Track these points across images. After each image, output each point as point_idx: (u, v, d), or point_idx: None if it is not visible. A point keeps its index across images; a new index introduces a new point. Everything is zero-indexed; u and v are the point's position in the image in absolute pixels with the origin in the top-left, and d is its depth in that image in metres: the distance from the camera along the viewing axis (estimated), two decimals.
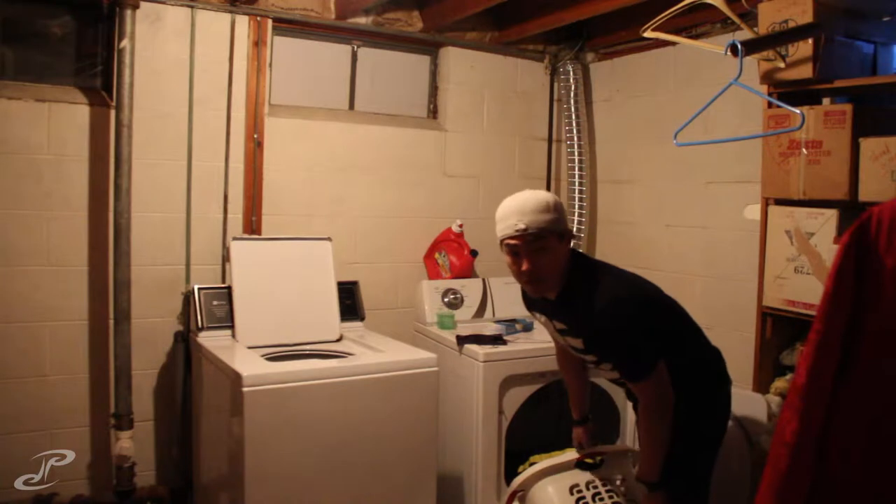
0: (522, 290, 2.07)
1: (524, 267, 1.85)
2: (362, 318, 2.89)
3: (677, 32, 2.63)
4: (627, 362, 1.88)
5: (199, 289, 2.62)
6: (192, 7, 2.71)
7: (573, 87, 3.38)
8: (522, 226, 1.82)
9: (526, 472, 2.15)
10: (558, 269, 1.89)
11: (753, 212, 2.60)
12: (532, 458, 2.48)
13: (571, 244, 1.94)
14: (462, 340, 2.75)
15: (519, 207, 1.85)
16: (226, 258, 2.79)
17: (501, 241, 1.89)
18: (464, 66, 3.33)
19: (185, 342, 2.72)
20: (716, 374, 2.03)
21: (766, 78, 2.30)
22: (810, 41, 2.14)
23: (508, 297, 3.21)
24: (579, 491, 2.08)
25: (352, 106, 3.20)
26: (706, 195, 2.90)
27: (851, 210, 2.09)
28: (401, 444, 2.36)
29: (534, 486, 2.12)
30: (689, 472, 1.94)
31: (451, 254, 3.18)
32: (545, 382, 2.76)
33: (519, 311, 3.12)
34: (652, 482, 1.86)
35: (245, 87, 2.83)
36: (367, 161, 3.12)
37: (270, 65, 2.92)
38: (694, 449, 1.95)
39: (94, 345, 2.64)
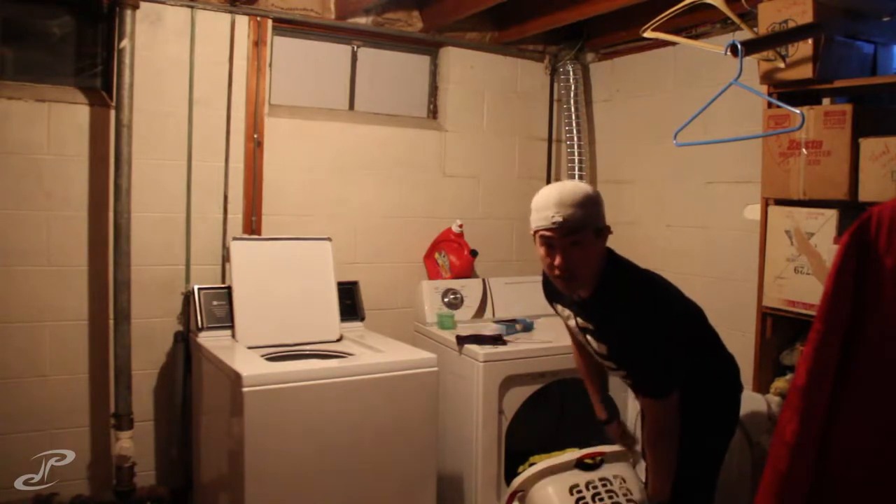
0: (544, 281, 2.02)
1: (557, 261, 1.77)
2: (362, 319, 2.89)
3: (677, 32, 2.63)
4: (646, 380, 1.85)
5: (199, 289, 2.62)
6: (192, 7, 2.71)
7: (573, 88, 3.38)
8: (559, 218, 1.74)
9: (526, 472, 2.15)
10: (593, 266, 1.81)
11: (753, 212, 2.60)
12: (532, 458, 2.47)
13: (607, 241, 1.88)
14: (462, 340, 2.75)
15: (557, 199, 1.76)
16: (226, 258, 2.79)
17: (535, 231, 1.81)
18: (464, 66, 3.32)
19: (184, 342, 2.72)
20: (730, 386, 2.01)
21: (766, 78, 2.30)
22: (810, 41, 2.14)
23: (508, 297, 3.21)
24: (579, 491, 2.08)
25: (352, 106, 3.20)
26: (706, 195, 2.90)
27: (851, 210, 2.09)
28: (401, 444, 2.36)
29: (534, 486, 2.12)
30: (698, 483, 1.93)
31: (451, 254, 3.18)
32: (545, 382, 2.76)
33: (519, 311, 3.14)
34: (664, 502, 1.84)
35: (245, 87, 2.83)
36: (367, 161, 3.12)
37: (270, 65, 2.92)
38: (703, 460, 1.94)
39: (93, 345, 2.64)
